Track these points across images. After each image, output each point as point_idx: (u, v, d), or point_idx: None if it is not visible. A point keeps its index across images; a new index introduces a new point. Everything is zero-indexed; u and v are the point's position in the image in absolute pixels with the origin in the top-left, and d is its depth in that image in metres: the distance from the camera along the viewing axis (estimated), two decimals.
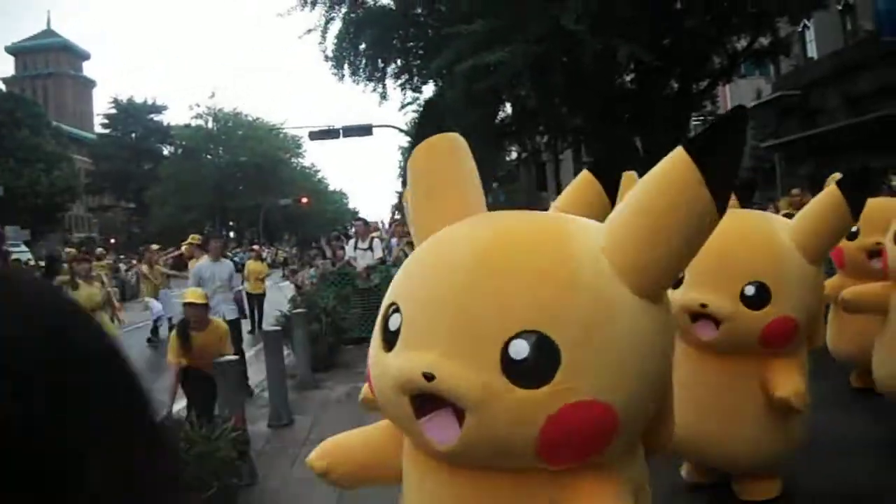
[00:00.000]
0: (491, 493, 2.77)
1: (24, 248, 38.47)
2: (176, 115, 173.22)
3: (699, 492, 6.02)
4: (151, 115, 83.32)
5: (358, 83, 24.46)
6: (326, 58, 23.99)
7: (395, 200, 67.11)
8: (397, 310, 2.79)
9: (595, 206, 3.47)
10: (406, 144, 64.04)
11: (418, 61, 23.64)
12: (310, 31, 23.71)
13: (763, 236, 5.20)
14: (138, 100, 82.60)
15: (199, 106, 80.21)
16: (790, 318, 4.96)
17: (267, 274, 21.19)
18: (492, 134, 25.48)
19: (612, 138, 21.42)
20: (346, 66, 23.94)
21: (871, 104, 23.46)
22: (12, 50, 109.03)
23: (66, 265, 13.85)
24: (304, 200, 67.27)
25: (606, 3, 17.19)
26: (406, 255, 7.12)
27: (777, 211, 13.12)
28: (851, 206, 4.87)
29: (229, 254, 22.42)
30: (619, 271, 2.62)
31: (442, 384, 2.50)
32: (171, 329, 18.55)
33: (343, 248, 16.85)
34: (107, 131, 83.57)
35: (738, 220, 5.13)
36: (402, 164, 75.57)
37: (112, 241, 66.54)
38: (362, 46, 23.38)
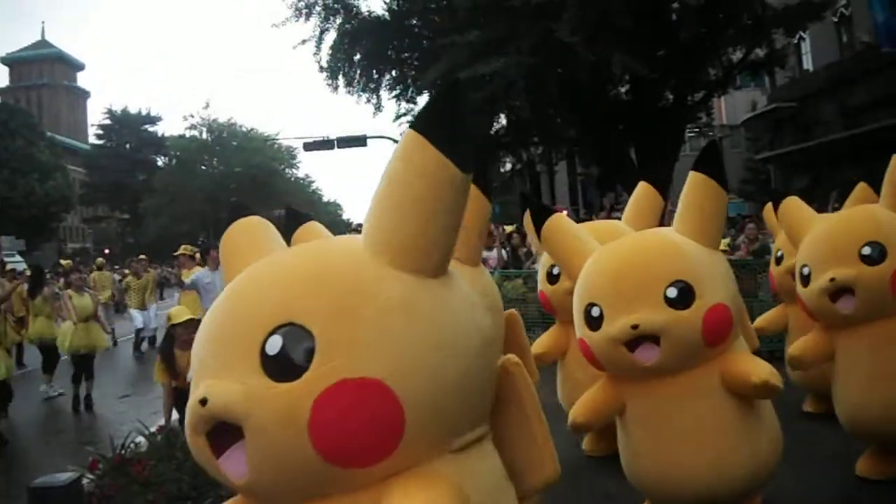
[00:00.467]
0: None
1: (18, 258, 38.38)
2: (170, 126, 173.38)
3: None
4: (146, 126, 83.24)
5: (352, 94, 24.46)
6: (321, 68, 24.01)
7: None
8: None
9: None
10: None
11: (413, 72, 23.62)
12: (304, 41, 23.77)
13: (660, 240, 5.08)
14: (133, 110, 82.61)
15: (193, 116, 79.88)
16: (721, 305, 4.74)
17: None
18: (486, 145, 25.46)
19: (606, 149, 21.43)
20: (340, 76, 23.94)
21: (866, 116, 23.43)
22: (6, 60, 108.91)
23: (60, 277, 13.78)
24: None
25: (601, 15, 17.17)
26: None
27: None
28: (717, 181, 4.87)
29: None
30: (375, 252, 2.54)
31: (212, 404, 2.34)
32: (151, 344, 18.57)
33: None
34: (101, 142, 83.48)
35: (634, 239, 5.43)
36: None
37: (106, 251, 66.25)
38: (357, 57, 23.39)
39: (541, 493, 3.15)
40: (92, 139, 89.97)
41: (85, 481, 5.64)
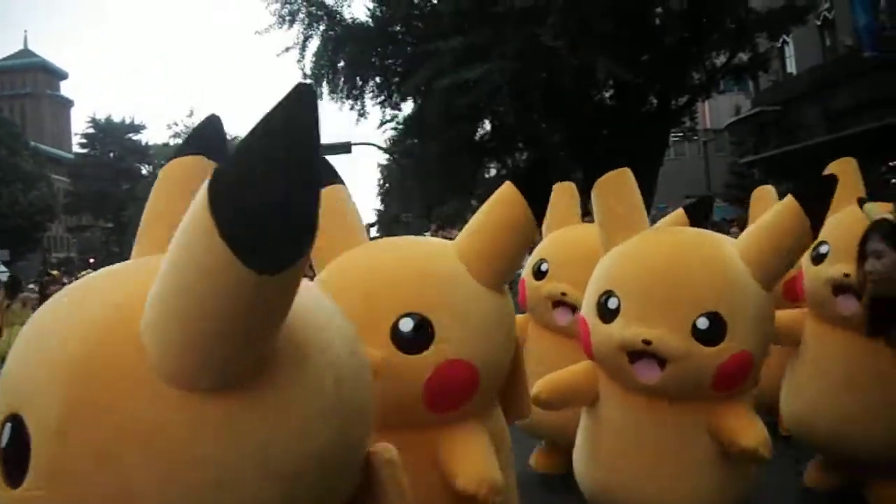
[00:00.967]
0: None
1: (2, 267, 38.22)
2: (154, 135, 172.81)
3: None
4: (129, 135, 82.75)
5: (336, 101, 24.37)
6: (305, 75, 23.89)
7: (373, 218, 66.98)
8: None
9: None
10: (385, 162, 64.33)
11: (397, 78, 23.56)
12: (288, 49, 23.64)
13: (713, 258, 4.34)
14: (116, 119, 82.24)
15: (177, 125, 79.47)
16: (747, 354, 4.16)
17: None
18: (471, 150, 25.43)
19: (591, 154, 21.41)
20: (324, 83, 23.84)
21: (850, 119, 23.53)
22: None
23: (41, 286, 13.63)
24: None
25: (585, 20, 17.17)
26: None
27: None
28: (812, 220, 4.07)
29: None
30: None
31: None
32: None
33: None
34: (85, 151, 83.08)
35: (683, 242, 4.63)
36: (381, 181, 75.83)
37: (91, 260, 65.93)
38: (341, 64, 23.29)
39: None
40: (76, 148, 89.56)
41: None
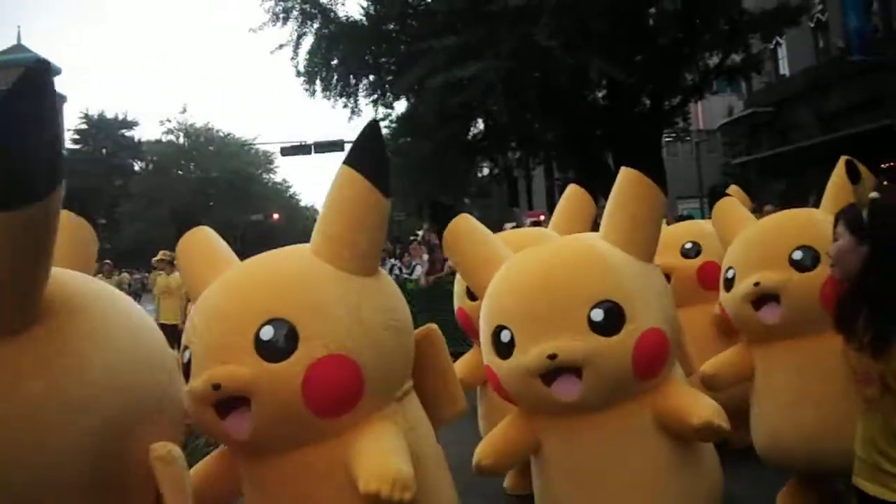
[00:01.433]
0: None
1: None
2: (147, 131, 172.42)
3: None
4: (122, 131, 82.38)
5: (329, 98, 24.34)
6: (298, 73, 23.89)
7: None
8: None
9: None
10: None
11: (390, 77, 23.55)
12: (282, 46, 23.64)
13: (585, 251, 4.29)
14: (109, 115, 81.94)
15: (170, 121, 79.37)
16: (656, 329, 4.00)
17: None
18: (464, 149, 25.42)
19: (583, 154, 21.44)
20: (318, 81, 23.82)
21: (843, 121, 23.54)
22: None
23: None
24: (276, 217, 67.21)
25: (579, 20, 17.18)
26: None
27: None
28: (651, 177, 4.17)
29: None
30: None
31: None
32: None
33: None
34: (77, 146, 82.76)
35: (549, 250, 4.57)
36: None
37: None
38: (334, 62, 23.28)
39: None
40: (68, 143, 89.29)
41: None
